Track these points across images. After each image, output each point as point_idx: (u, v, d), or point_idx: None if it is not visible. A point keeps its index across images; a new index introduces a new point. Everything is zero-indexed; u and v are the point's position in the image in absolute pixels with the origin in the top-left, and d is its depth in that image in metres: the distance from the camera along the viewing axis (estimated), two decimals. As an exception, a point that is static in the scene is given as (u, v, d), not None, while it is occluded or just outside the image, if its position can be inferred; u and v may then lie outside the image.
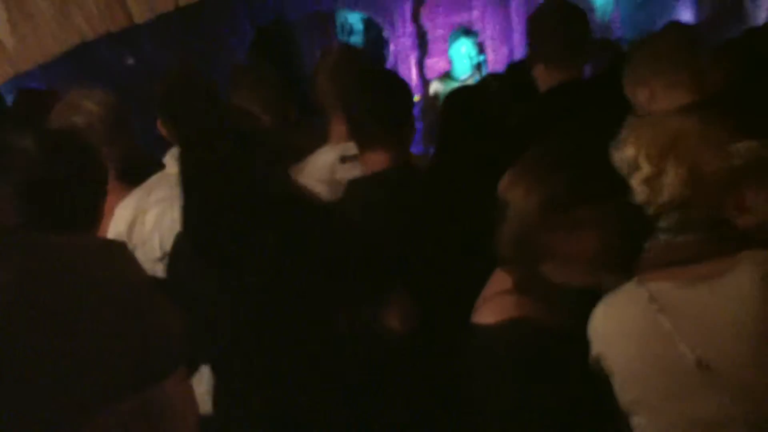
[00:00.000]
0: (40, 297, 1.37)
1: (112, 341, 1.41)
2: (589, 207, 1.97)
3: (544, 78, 3.09)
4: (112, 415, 1.40)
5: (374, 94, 2.69)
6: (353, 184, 2.74)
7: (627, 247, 2.03)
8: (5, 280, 1.35)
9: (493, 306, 2.06)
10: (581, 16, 3.13)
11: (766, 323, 1.74)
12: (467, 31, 7.13)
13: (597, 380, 1.94)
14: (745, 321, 1.74)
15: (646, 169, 1.85)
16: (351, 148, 2.94)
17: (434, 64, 7.45)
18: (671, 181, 1.83)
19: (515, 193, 2.01)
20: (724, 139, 1.82)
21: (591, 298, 2.13)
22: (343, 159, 2.98)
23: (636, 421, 1.86)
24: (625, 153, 1.89)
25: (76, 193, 2.11)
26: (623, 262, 2.06)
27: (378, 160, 2.67)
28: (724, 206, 1.83)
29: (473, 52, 6.83)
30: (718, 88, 2.63)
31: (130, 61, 6.14)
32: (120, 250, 1.49)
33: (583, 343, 2.00)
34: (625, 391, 1.85)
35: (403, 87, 2.80)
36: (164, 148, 3.01)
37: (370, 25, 8.54)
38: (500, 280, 2.11)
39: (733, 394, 1.73)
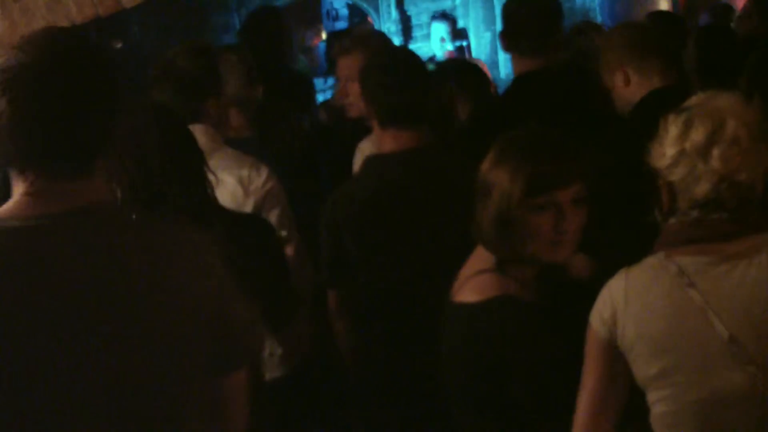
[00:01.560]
0: (134, 273, 1.42)
1: (194, 328, 1.46)
2: (572, 188, 2.03)
3: (517, 65, 3.16)
4: (189, 401, 1.46)
5: (392, 72, 2.74)
6: (372, 160, 2.78)
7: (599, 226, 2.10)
8: (100, 250, 1.39)
9: (475, 285, 2.08)
10: (553, 6, 3.21)
11: None
12: (444, 16, 7.22)
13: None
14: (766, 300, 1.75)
15: (718, 162, 1.79)
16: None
17: (418, 49, 7.54)
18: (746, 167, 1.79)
19: (500, 175, 2.03)
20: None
21: (561, 277, 2.23)
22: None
23: (655, 396, 1.85)
24: (693, 136, 1.82)
25: None
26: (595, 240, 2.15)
27: (397, 140, 2.71)
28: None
29: (447, 36, 6.92)
30: (689, 74, 2.73)
31: (119, 44, 6.17)
32: (208, 243, 1.55)
33: (559, 319, 2.05)
34: (649, 364, 1.84)
35: (420, 66, 2.87)
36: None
37: (355, 11, 8.61)
38: (478, 260, 2.13)
39: (761, 368, 1.74)
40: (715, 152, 1.78)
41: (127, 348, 1.39)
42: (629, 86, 2.76)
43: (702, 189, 1.80)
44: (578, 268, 2.28)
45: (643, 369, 1.85)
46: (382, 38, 3.66)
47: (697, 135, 1.80)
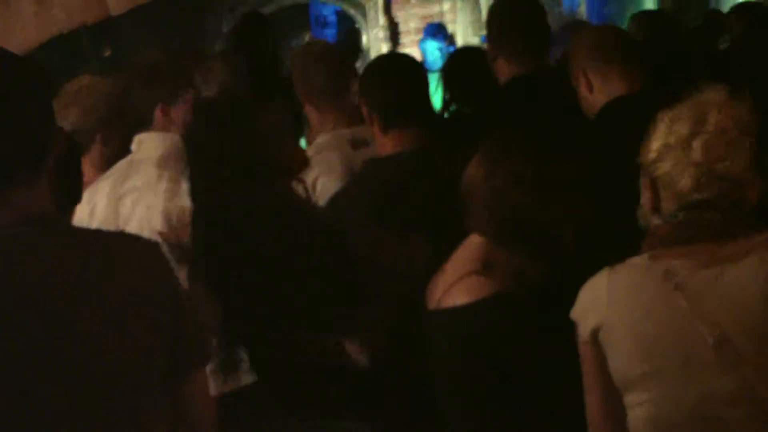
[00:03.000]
0: (88, 287, 1.41)
1: (150, 332, 1.46)
2: (573, 167, 2.05)
3: (503, 71, 3.17)
4: (154, 408, 1.46)
5: (395, 78, 2.74)
6: (372, 163, 2.76)
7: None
8: (47, 268, 1.39)
9: (464, 288, 2.05)
10: (539, 10, 3.23)
11: None
12: (437, 31, 7.22)
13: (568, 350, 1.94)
14: (763, 301, 1.74)
15: (699, 153, 1.80)
16: (358, 133, 3.01)
17: (406, 55, 7.61)
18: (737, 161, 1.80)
19: (510, 167, 2.02)
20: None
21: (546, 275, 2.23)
22: (355, 145, 3.02)
23: (637, 398, 1.83)
24: (678, 129, 1.83)
25: None
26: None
27: (400, 141, 2.69)
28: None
29: (443, 47, 6.94)
30: (648, 81, 2.74)
31: (108, 52, 6.17)
32: (154, 249, 1.55)
33: (551, 312, 2.00)
34: (632, 365, 1.82)
35: (421, 70, 2.88)
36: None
37: (343, 17, 8.65)
38: (458, 266, 2.12)
39: (752, 372, 1.73)
40: (697, 143, 1.78)
41: (83, 360, 1.39)
42: (593, 93, 2.75)
43: (686, 182, 1.79)
44: None
45: (624, 368, 1.84)
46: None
47: (682, 127, 1.81)
